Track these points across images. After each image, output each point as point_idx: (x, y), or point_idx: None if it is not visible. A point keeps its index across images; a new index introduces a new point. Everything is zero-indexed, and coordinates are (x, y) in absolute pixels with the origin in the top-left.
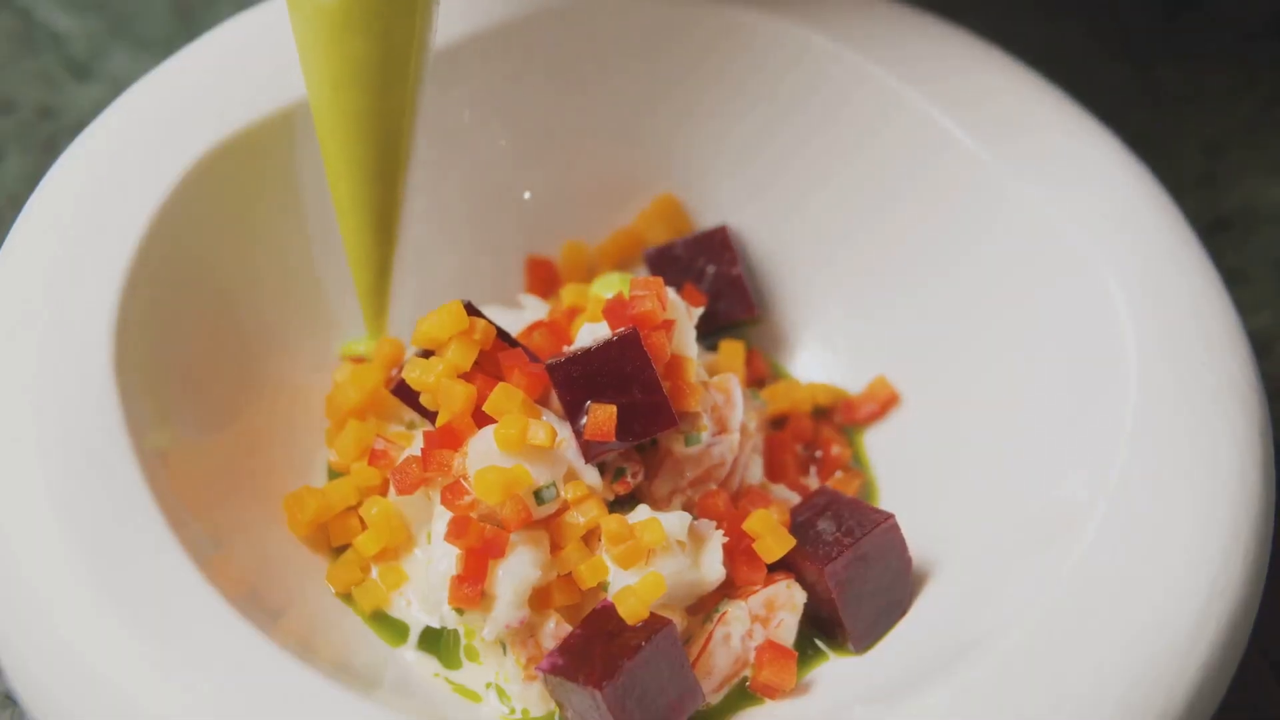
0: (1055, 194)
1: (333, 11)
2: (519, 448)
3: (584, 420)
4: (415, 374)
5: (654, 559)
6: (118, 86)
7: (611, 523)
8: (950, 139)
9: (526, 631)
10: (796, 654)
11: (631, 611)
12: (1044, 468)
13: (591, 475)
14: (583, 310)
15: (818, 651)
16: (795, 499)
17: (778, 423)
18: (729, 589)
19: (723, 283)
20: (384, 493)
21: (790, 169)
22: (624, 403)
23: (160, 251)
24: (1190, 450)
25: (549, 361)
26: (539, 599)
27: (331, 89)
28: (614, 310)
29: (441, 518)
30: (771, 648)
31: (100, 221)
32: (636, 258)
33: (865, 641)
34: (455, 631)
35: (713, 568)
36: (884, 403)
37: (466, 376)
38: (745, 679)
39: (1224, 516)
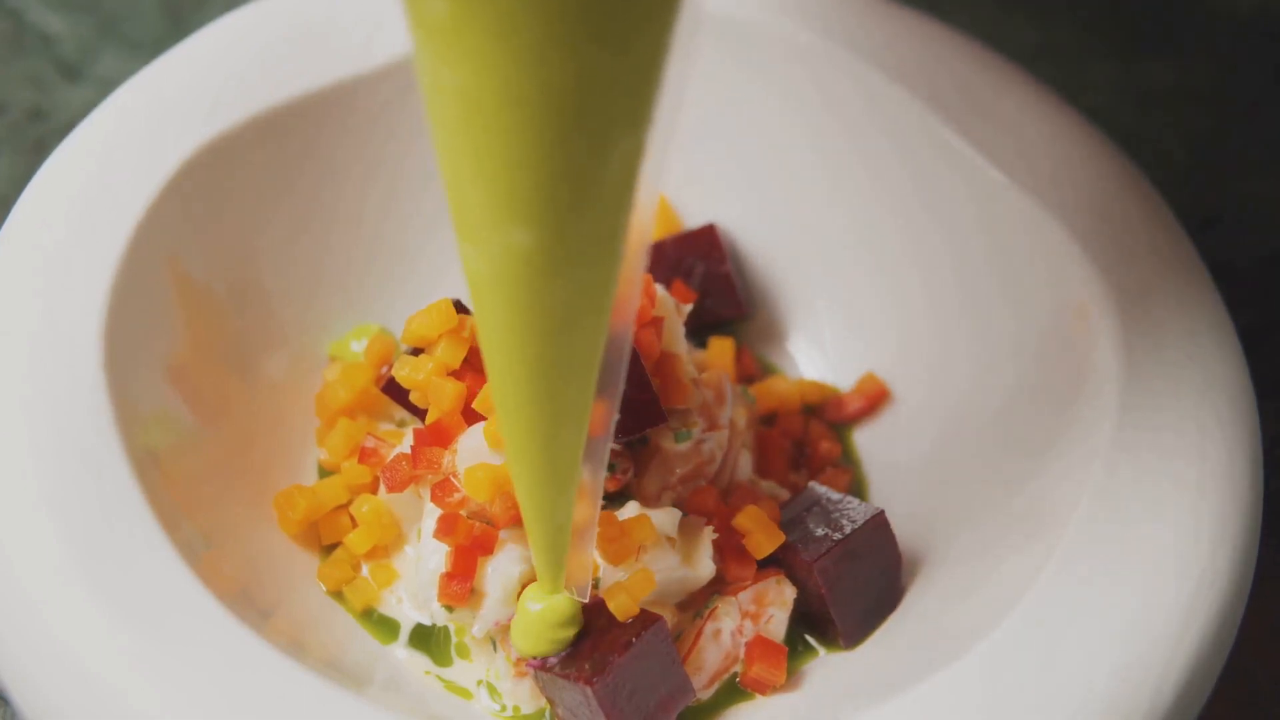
0: (1044, 191)
1: (529, 254)
2: None
3: None
4: (405, 372)
5: (644, 555)
6: (108, 88)
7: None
8: (939, 137)
9: None
10: (787, 649)
11: (622, 608)
12: (1031, 462)
13: None
14: None
15: (808, 647)
16: (785, 495)
17: (767, 419)
18: (719, 585)
19: (712, 280)
20: (374, 491)
21: (779, 167)
22: None
23: (150, 251)
24: (1177, 445)
25: None
26: None
27: (519, 335)
28: None
29: (431, 515)
30: (762, 643)
31: (90, 222)
32: None
33: (855, 637)
34: (446, 629)
35: (703, 564)
36: (873, 399)
37: (456, 374)
38: (736, 675)
39: (1211, 512)
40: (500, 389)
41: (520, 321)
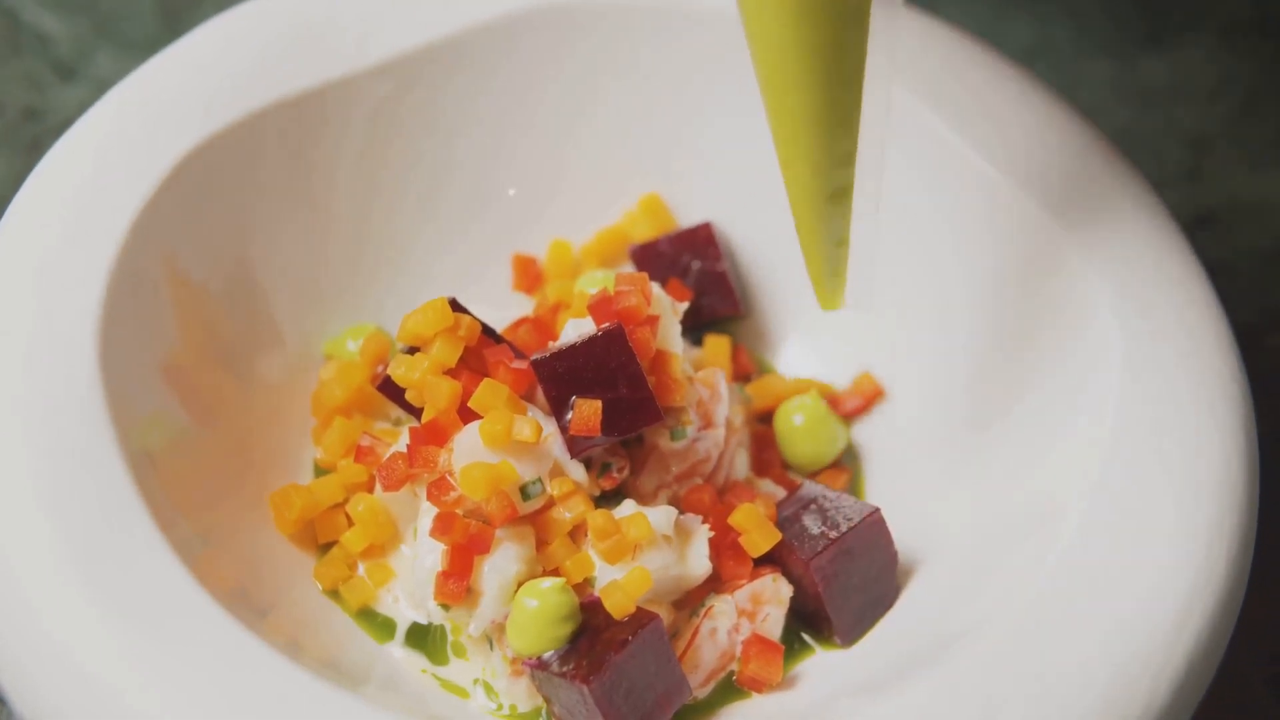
0: (1039, 189)
1: None
2: (504, 443)
3: (569, 416)
4: (401, 371)
5: (640, 554)
6: (103, 87)
7: (597, 518)
8: (935, 135)
9: None
10: (783, 648)
11: (618, 606)
12: (1028, 460)
13: (577, 471)
14: (567, 306)
15: (804, 645)
16: (781, 493)
17: (763, 418)
18: (715, 583)
19: (707, 278)
20: (370, 489)
21: (774, 165)
22: (609, 398)
23: (145, 251)
24: (1174, 443)
25: (534, 357)
26: None
27: (793, 22)
28: (599, 306)
29: (427, 514)
30: (758, 642)
31: (85, 221)
32: (622, 256)
33: (851, 635)
34: (442, 627)
35: (699, 562)
36: (869, 397)
37: (452, 373)
38: (732, 673)
39: (1208, 509)
40: (784, 108)
41: (807, 38)
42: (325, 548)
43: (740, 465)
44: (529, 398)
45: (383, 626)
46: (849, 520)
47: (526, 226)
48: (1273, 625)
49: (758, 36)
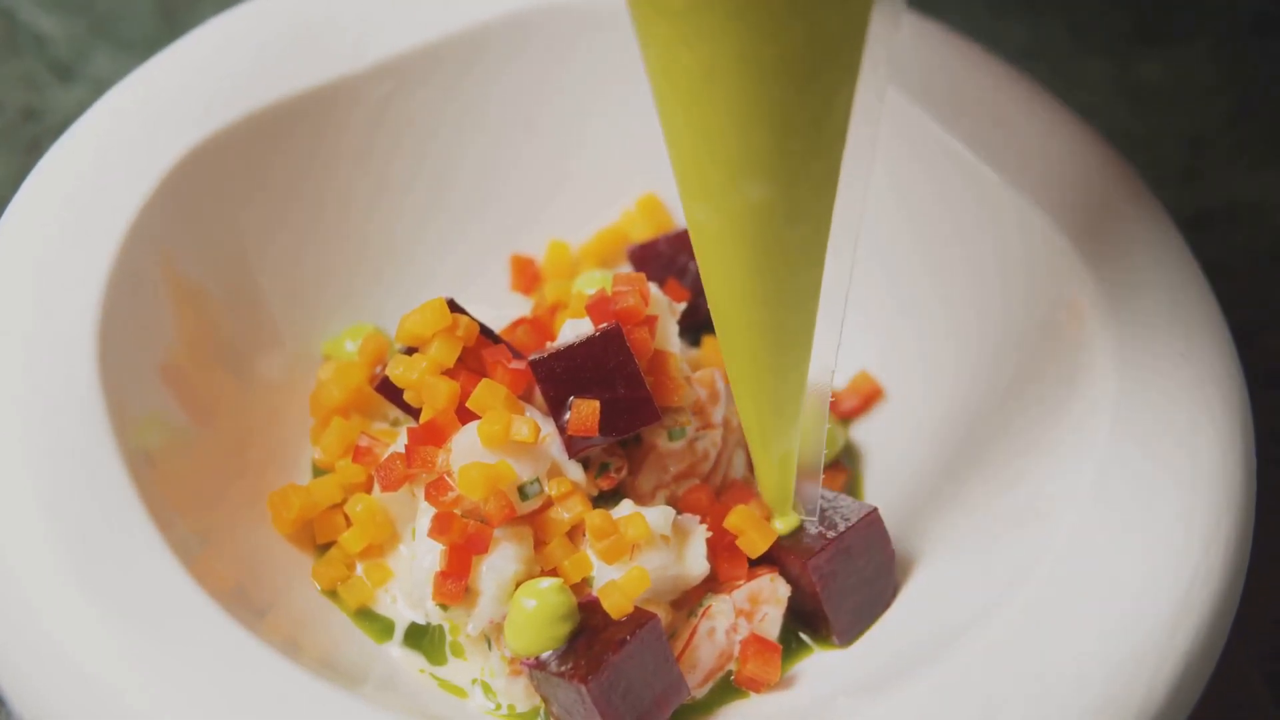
0: (1036, 188)
1: (766, 205)
2: (502, 443)
3: (567, 416)
4: (399, 371)
5: (638, 554)
6: (101, 88)
7: (595, 518)
8: (932, 135)
9: None
10: (781, 647)
11: (616, 606)
12: (1026, 459)
13: (575, 471)
14: (565, 306)
15: (802, 645)
16: None
17: None
18: (713, 583)
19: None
20: (369, 490)
21: None
22: (607, 398)
23: (144, 251)
24: (1170, 441)
25: (532, 357)
26: None
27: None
28: (597, 306)
29: (425, 514)
30: (756, 641)
31: (84, 222)
32: (620, 257)
33: (849, 634)
34: (440, 627)
35: (697, 562)
36: (867, 397)
37: (450, 373)
38: (730, 673)
39: (1204, 507)
40: (731, 330)
41: (755, 266)
42: (323, 548)
43: (738, 465)
44: (527, 398)
45: (381, 626)
46: (847, 520)
47: (524, 227)
48: (1270, 623)
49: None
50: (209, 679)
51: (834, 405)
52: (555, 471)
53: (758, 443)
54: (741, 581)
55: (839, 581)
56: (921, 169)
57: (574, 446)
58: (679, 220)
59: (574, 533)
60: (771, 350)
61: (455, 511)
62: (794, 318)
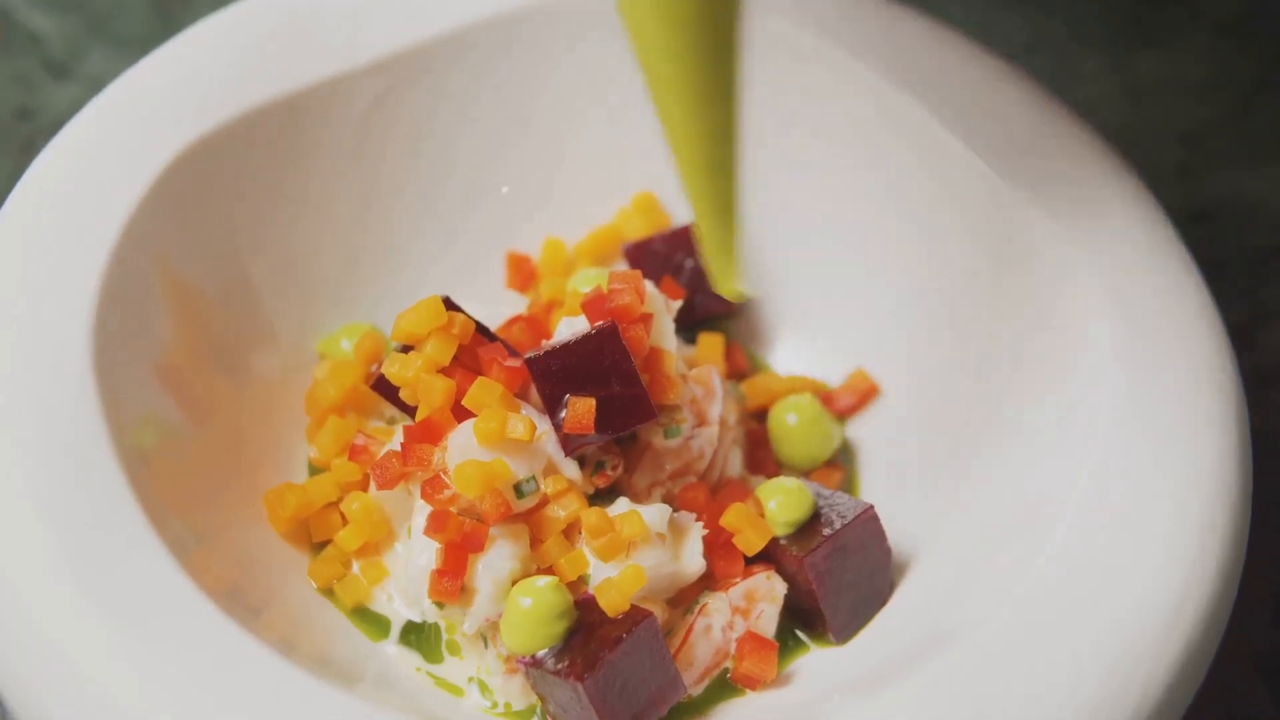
0: (1032, 185)
1: None
2: (498, 442)
3: (563, 414)
4: (394, 369)
5: (634, 552)
6: (96, 86)
7: (591, 516)
8: (929, 132)
9: None
10: (777, 645)
11: (612, 604)
12: (1022, 458)
13: (571, 468)
14: (561, 304)
15: (798, 642)
16: None
17: (757, 415)
18: (709, 581)
19: (701, 276)
20: (364, 488)
21: (768, 163)
22: (603, 396)
23: (138, 250)
24: (1166, 440)
25: (528, 355)
26: None
27: None
28: (592, 304)
29: (422, 512)
30: (752, 639)
31: (78, 220)
32: (615, 255)
33: (845, 632)
34: (436, 626)
35: (693, 560)
36: (863, 395)
37: (446, 371)
38: (726, 670)
39: (1200, 506)
40: (657, 78)
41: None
42: (319, 546)
43: (734, 463)
44: (523, 396)
45: (377, 625)
46: (843, 518)
47: (520, 224)
48: (1268, 621)
49: (625, 5)
50: (205, 677)
51: (830, 403)
52: (551, 469)
53: (694, 204)
54: (738, 579)
55: (835, 579)
56: (918, 166)
57: (570, 444)
58: (674, 218)
59: (570, 530)
60: (697, 104)
61: (451, 509)
62: (718, 67)
